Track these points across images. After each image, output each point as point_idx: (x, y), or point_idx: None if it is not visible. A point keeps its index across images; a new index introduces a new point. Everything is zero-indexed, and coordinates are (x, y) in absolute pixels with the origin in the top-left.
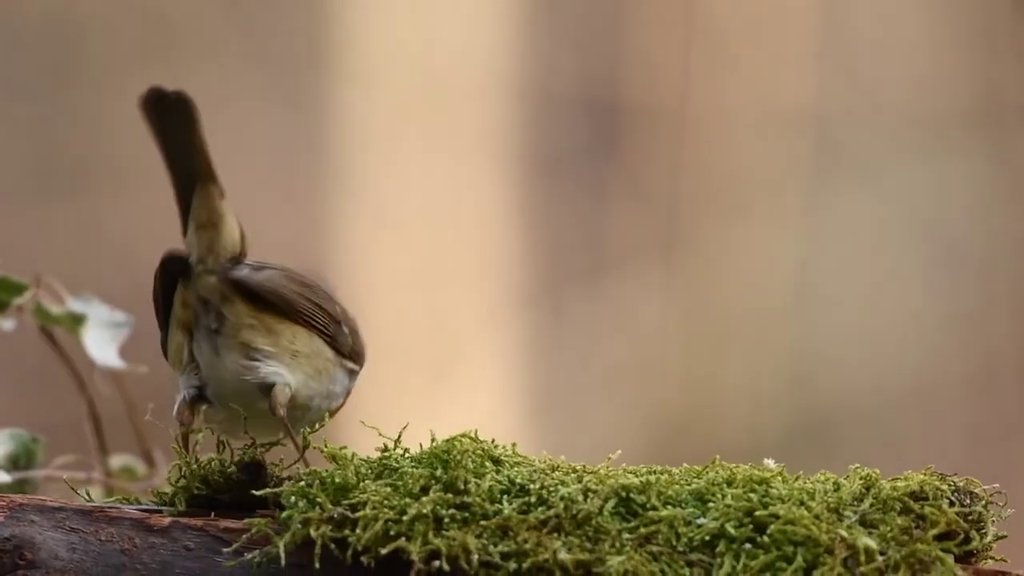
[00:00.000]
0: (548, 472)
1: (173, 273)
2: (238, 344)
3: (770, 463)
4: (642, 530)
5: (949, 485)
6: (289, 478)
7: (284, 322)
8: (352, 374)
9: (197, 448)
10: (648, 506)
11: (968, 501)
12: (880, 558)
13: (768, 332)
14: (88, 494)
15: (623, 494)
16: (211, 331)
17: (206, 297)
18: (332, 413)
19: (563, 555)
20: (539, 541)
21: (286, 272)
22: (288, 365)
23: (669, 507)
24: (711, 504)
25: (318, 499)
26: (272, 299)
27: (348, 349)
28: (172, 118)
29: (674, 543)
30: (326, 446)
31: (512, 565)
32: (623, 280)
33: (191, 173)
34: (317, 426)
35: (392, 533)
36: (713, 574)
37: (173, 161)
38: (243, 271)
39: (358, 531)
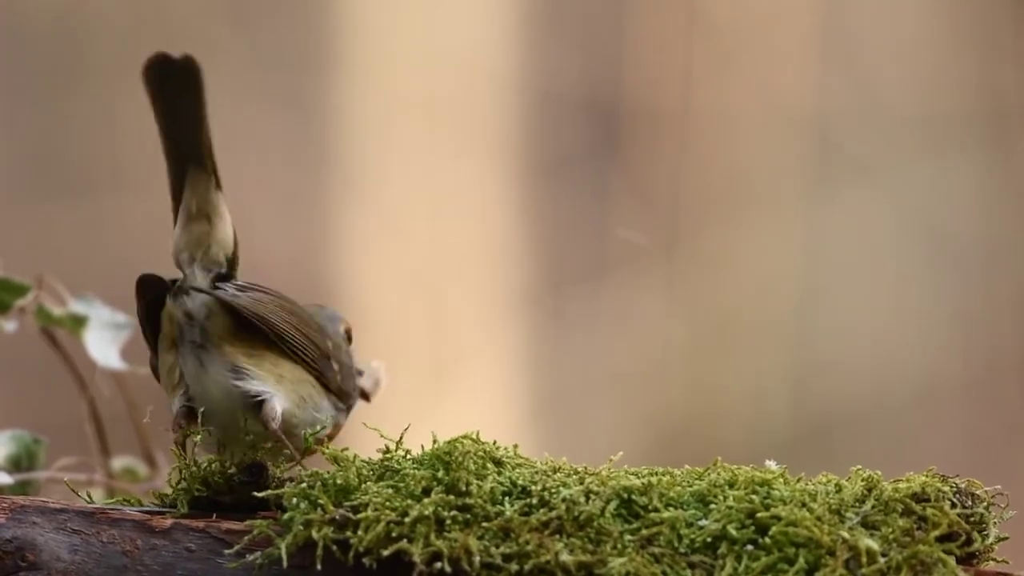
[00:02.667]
0: (550, 474)
1: (153, 295)
2: (223, 358)
3: (772, 465)
4: (644, 532)
5: (951, 487)
6: (291, 479)
7: (269, 348)
8: (339, 410)
9: (197, 450)
10: (650, 508)
11: (970, 503)
12: (882, 559)
13: (770, 333)
14: (89, 496)
15: (625, 496)
16: (196, 345)
17: (191, 312)
18: (321, 441)
19: (565, 557)
20: (541, 543)
21: (277, 298)
22: (273, 387)
23: (671, 509)
24: (713, 506)
25: (320, 501)
26: (257, 323)
27: (335, 386)
28: (175, 86)
29: (676, 544)
30: (327, 447)
31: (514, 567)
32: (625, 281)
33: (187, 155)
34: (319, 428)
35: (394, 535)
36: None
37: (170, 139)
38: (229, 290)
39: (360, 533)
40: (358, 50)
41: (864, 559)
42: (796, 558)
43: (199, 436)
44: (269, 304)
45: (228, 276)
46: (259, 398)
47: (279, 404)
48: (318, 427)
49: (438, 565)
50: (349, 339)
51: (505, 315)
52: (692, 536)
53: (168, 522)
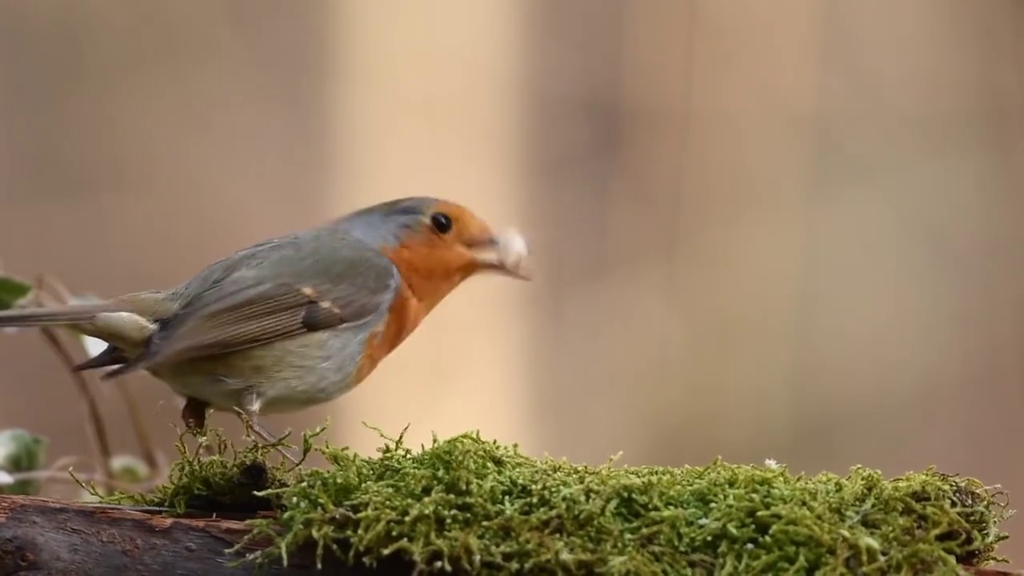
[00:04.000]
0: (550, 473)
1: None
2: (197, 376)
3: (772, 464)
4: (644, 530)
5: (951, 485)
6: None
7: (230, 353)
8: (363, 326)
9: (200, 450)
10: (650, 506)
11: (970, 501)
12: (882, 558)
13: (770, 332)
14: (94, 489)
15: (625, 495)
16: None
17: (149, 369)
18: (374, 357)
19: (565, 555)
20: (541, 541)
21: (218, 303)
22: (255, 379)
23: (671, 507)
24: (713, 504)
25: (320, 500)
26: (201, 353)
27: (338, 318)
28: None
29: (676, 543)
30: (328, 447)
31: (514, 565)
32: (625, 281)
33: None
34: (319, 429)
35: (394, 534)
36: (715, 574)
37: None
38: (158, 349)
39: (360, 532)
40: (358, 50)
41: (864, 557)
42: (796, 557)
43: (204, 438)
44: (200, 328)
45: (172, 317)
46: (237, 388)
47: (256, 396)
48: (341, 374)
49: (438, 564)
50: (440, 224)
51: (505, 315)
52: (692, 535)
53: (168, 521)
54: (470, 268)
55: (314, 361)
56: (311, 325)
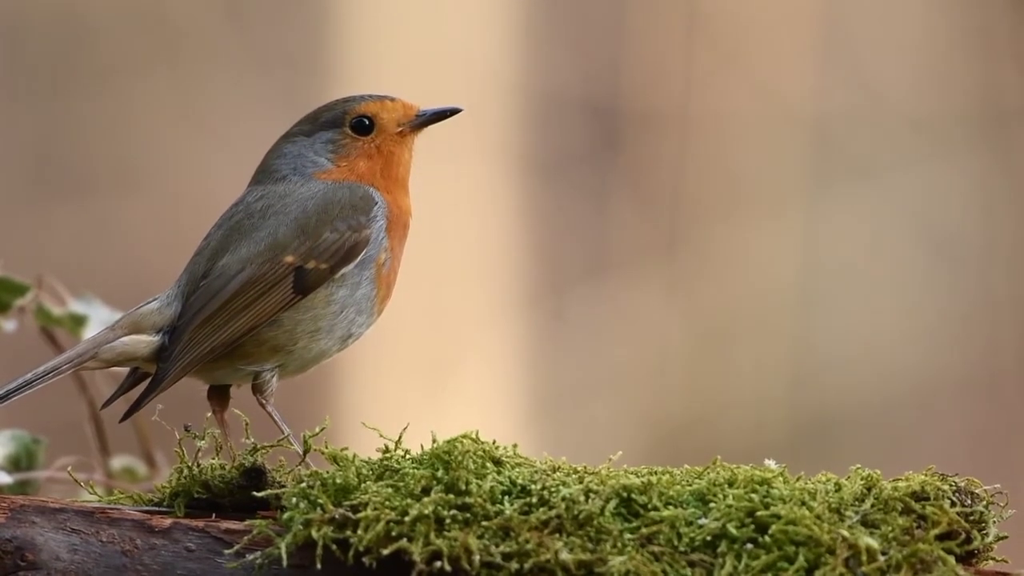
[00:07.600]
0: (549, 473)
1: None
2: (221, 371)
3: (771, 464)
4: (644, 530)
5: (950, 485)
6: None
7: (240, 347)
8: (361, 264)
9: (199, 453)
10: (649, 506)
11: (969, 501)
12: (882, 558)
13: (769, 333)
14: (92, 488)
15: (624, 495)
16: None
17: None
18: (389, 283)
19: (565, 555)
20: (541, 541)
21: (210, 303)
22: (276, 358)
23: (671, 507)
24: (712, 504)
25: (319, 500)
26: (207, 359)
27: (327, 272)
28: None
29: (676, 543)
30: (327, 447)
31: (514, 565)
32: (625, 281)
33: None
34: (318, 429)
35: (394, 534)
36: (715, 574)
37: None
38: (164, 374)
39: (360, 532)
40: (358, 51)
41: (864, 557)
42: (796, 556)
43: (203, 441)
44: (195, 339)
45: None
46: (257, 380)
47: (270, 375)
48: (360, 318)
49: (438, 564)
50: (364, 127)
51: (505, 315)
52: (692, 535)
53: (167, 522)
54: (412, 139)
55: (329, 319)
56: (304, 289)
